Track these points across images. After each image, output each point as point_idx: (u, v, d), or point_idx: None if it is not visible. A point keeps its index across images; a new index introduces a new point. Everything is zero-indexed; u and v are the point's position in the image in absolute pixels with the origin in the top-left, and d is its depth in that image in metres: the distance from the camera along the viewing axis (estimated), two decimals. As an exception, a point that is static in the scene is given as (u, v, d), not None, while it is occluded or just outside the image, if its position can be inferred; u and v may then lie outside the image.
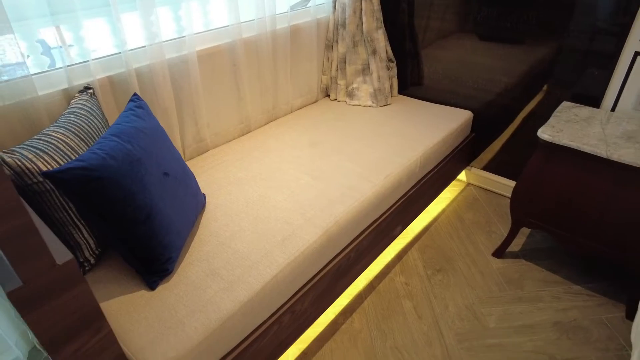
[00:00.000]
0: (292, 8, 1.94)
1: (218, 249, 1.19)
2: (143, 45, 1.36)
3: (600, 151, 1.35)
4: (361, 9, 1.97)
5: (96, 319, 0.70)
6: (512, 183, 2.07)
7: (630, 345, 1.37)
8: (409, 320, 1.47)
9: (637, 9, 1.49)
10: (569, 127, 1.49)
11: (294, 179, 1.48)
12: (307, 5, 1.98)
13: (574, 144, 1.39)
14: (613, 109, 1.66)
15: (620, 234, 1.39)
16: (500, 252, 1.73)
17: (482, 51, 1.95)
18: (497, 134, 2.07)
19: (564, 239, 1.53)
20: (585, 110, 1.63)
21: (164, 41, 1.41)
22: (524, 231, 1.88)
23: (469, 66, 2.02)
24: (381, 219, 1.51)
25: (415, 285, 1.61)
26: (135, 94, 1.18)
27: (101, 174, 0.92)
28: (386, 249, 1.67)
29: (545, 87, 1.83)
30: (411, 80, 2.25)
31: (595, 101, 1.70)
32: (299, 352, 1.39)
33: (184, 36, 1.45)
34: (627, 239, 1.39)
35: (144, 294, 1.06)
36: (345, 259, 1.37)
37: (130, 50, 1.34)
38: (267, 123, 1.93)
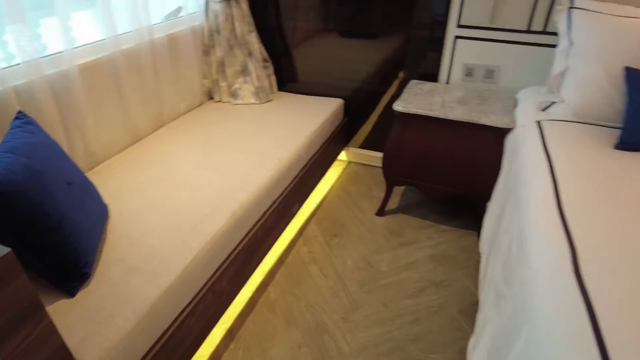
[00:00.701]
0: (166, 18, 2.02)
1: (132, 248, 1.26)
2: (18, 62, 1.35)
3: (441, 114, 1.71)
4: (232, 15, 2.12)
5: (38, 309, 0.76)
6: (385, 155, 2.43)
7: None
8: (317, 281, 1.70)
9: (450, 3, 1.90)
10: (416, 99, 1.85)
11: (194, 176, 1.60)
12: (180, 15, 2.08)
13: (421, 111, 1.74)
14: (448, 82, 2.08)
15: (463, 176, 1.79)
16: (381, 211, 2.06)
17: (344, 46, 2.26)
18: (366, 116, 2.41)
19: (426, 189, 1.90)
20: (428, 85, 2.02)
21: (42, 57, 1.41)
22: (398, 191, 2.24)
23: (335, 60, 2.31)
24: (280, 199, 1.70)
25: (318, 252, 1.85)
26: (20, 112, 1.19)
27: (5, 188, 0.95)
28: (288, 226, 1.87)
29: (401, 72, 2.21)
30: (288, 77, 2.48)
31: (435, 77, 2.11)
32: (224, 332, 1.51)
33: (62, 51, 1.46)
34: (468, 179, 1.79)
35: (64, 302, 1.09)
36: (254, 238, 1.54)
37: (4, 68, 1.32)
38: (155, 130, 1.99)
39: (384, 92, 2.30)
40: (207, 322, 1.34)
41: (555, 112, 1.56)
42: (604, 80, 1.44)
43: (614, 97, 1.43)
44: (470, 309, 1.58)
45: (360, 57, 2.25)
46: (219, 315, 1.41)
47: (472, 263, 1.78)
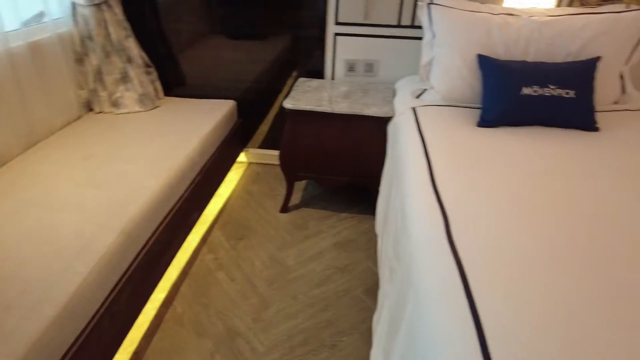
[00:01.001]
0: (26, 24, 1.81)
1: (3, 285, 1.12)
2: None
3: (328, 108, 1.79)
4: (105, 20, 1.98)
5: None
6: (284, 152, 2.46)
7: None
8: (225, 287, 1.67)
9: (327, 1, 1.99)
10: (305, 96, 1.90)
11: (75, 194, 1.47)
12: (43, 21, 1.88)
13: (310, 107, 1.80)
14: (333, 78, 2.17)
15: (354, 164, 1.89)
16: (285, 208, 2.09)
17: (232, 48, 2.24)
18: (262, 116, 2.41)
19: (323, 181, 1.98)
20: (315, 82, 2.09)
21: None
22: (300, 186, 2.30)
23: (225, 62, 2.28)
24: (175, 209, 1.63)
25: (224, 257, 1.82)
26: None
27: None
28: (190, 235, 1.81)
29: (294, 71, 2.25)
30: (174, 81, 2.38)
31: (321, 74, 2.19)
32: (129, 356, 1.42)
33: None
34: (358, 167, 1.89)
35: None
36: (150, 253, 1.46)
37: None
38: (26, 149, 1.78)
39: (278, 91, 2.33)
40: (106, 349, 1.25)
41: (427, 98, 1.72)
42: (463, 68, 1.62)
43: (472, 82, 1.63)
44: (373, 288, 1.68)
45: (249, 58, 2.25)
46: (120, 339, 1.32)
47: (372, 245, 1.89)
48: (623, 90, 1.71)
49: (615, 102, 1.69)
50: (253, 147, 2.51)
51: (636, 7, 1.65)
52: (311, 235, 1.95)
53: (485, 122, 1.52)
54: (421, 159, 1.33)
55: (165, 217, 1.57)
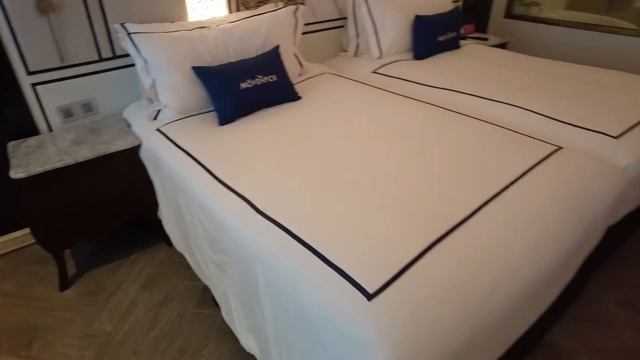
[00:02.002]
0: None
1: None
2: None
3: (70, 160, 1.66)
4: None
5: None
6: (23, 231, 2.08)
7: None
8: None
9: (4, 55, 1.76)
10: (32, 158, 1.68)
11: None
12: None
13: (47, 167, 1.62)
14: (51, 130, 1.96)
15: (121, 204, 1.84)
16: (65, 284, 1.84)
17: None
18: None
19: (96, 234, 1.84)
20: (32, 140, 1.85)
21: None
22: (68, 253, 2.03)
23: None
24: None
25: (23, 370, 1.50)
26: None
27: None
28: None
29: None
30: None
31: (34, 131, 1.93)
32: None
33: None
34: (126, 204, 1.86)
35: None
36: None
37: None
38: None
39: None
40: None
41: (165, 117, 1.83)
42: (185, 81, 1.81)
43: (198, 91, 1.84)
44: (202, 299, 1.76)
45: None
46: None
47: (177, 267, 1.93)
48: (301, 65, 2.28)
49: (300, 75, 2.25)
50: (-24, 243, 2.01)
51: (282, 5, 2.21)
52: (112, 292, 1.81)
53: (224, 120, 1.78)
54: (196, 168, 1.48)
55: None
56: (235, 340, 1.41)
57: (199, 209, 1.40)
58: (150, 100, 1.93)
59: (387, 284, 0.93)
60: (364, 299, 0.90)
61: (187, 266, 1.91)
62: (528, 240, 1.12)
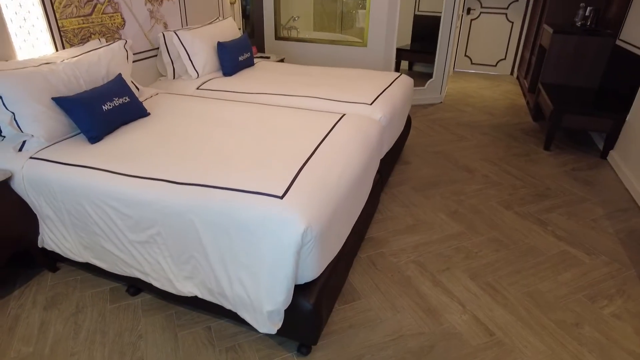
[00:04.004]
0: None
1: None
2: None
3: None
4: None
5: None
6: None
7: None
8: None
9: None
10: None
11: None
12: None
13: None
14: None
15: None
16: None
17: None
18: None
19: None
20: None
21: None
22: None
23: None
24: None
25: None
26: None
27: None
28: None
29: None
30: None
31: None
32: None
33: None
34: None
35: None
36: None
37: None
38: None
39: None
40: None
41: (32, 146, 1.97)
42: (47, 111, 1.99)
43: (61, 118, 2.04)
44: (115, 294, 2.00)
45: None
46: None
47: (74, 283, 2.07)
48: (137, 88, 2.64)
49: (139, 97, 2.61)
50: None
51: (105, 41, 2.53)
52: (12, 324, 1.84)
53: (95, 138, 2.05)
54: (99, 173, 1.77)
55: None
56: (165, 308, 1.78)
57: (116, 202, 1.71)
58: (2, 136, 2.00)
59: (288, 188, 1.57)
60: (278, 199, 1.52)
61: (85, 279, 2.10)
62: (348, 155, 1.94)
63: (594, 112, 3.52)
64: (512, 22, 6.08)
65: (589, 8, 4.25)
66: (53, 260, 2.15)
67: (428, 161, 3.46)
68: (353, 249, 2.10)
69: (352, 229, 2.01)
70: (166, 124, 2.25)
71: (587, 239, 2.52)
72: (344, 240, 1.89)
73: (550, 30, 4.24)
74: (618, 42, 3.84)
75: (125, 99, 2.24)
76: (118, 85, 2.27)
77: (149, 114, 2.38)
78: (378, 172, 2.54)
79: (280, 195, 1.55)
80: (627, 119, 3.37)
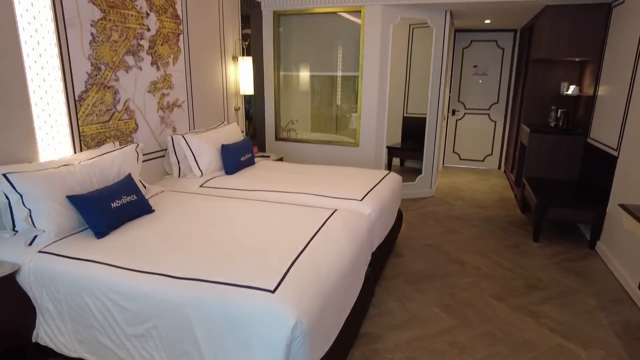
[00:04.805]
0: None
1: None
2: None
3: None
4: None
5: None
6: None
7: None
8: None
9: None
10: None
11: None
12: None
13: None
14: None
15: None
16: None
17: None
18: None
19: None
20: None
21: None
22: None
23: None
24: None
25: None
26: None
27: None
28: None
29: None
30: None
31: None
32: None
33: None
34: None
35: None
36: None
37: None
38: None
39: None
40: None
41: (42, 240, 2.10)
42: (60, 208, 2.15)
43: (71, 215, 2.20)
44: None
45: None
46: None
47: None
48: (144, 187, 2.85)
49: (146, 195, 2.80)
50: None
51: (119, 144, 2.80)
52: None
53: (101, 234, 2.18)
54: (101, 267, 1.88)
55: None
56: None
57: (116, 295, 1.79)
58: (15, 231, 2.15)
59: (280, 282, 1.66)
60: (269, 294, 1.61)
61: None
62: (338, 248, 2.06)
63: (576, 204, 3.71)
64: (495, 122, 6.59)
65: (560, 110, 4.67)
66: (44, 356, 2.14)
67: (421, 254, 3.55)
68: (346, 346, 2.11)
69: (346, 325, 2.05)
70: (169, 219, 2.41)
71: (582, 332, 2.52)
72: (336, 334, 1.92)
73: (528, 129, 4.62)
74: (589, 140, 4.17)
75: (133, 197, 2.42)
76: (127, 185, 2.47)
77: (153, 210, 2.54)
78: (370, 265, 2.63)
79: (272, 289, 1.64)
80: (607, 210, 3.54)
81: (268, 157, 4.48)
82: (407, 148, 5.86)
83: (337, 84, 5.44)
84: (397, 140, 6.08)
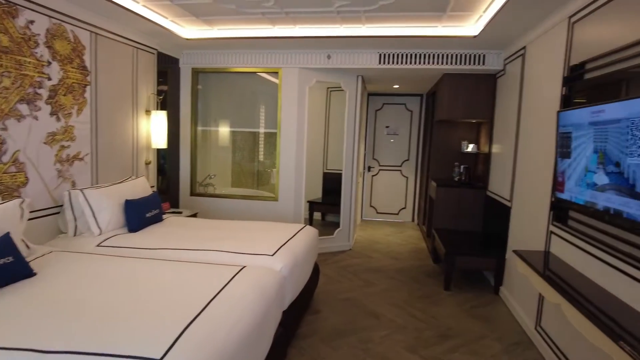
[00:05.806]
0: None
1: None
2: None
3: None
4: None
5: None
6: None
7: None
8: None
9: None
10: None
11: None
12: None
13: None
14: None
15: None
16: None
17: None
18: None
19: None
20: None
21: None
22: None
23: None
24: None
25: None
26: None
27: None
28: None
29: None
30: None
31: None
32: None
33: None
34: None
35: None
36: None
37: None
38: None
39: None
40: None
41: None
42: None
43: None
44: None
45: None
46: None
47: None
48: (28, 247, 2.53)
49: (28, 256, 2.49)
50: None
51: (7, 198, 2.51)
52: None
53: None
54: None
55: None
56: None
57: None
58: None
59: (168, 350, 1.51)
60: (156, 363, 1.45)
61: None
62: (242, 307, 1.95)
63: (480, 253, 3.95)
64: (407, 177, 7.00)
65: (462, 166, 5.10)
66: None
67: (337, 309, 3.50)
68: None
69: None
70: (52, 284, 2.14)
71: (489, 379, 2.57)
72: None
73: (435, 184, 4.95)
74: (488, 193, 4.56)
75: (8, 259, 2.13)
76: (3, 245, 2.18)
77: (35, 274, 2.25)
78: (282, 325, 2.51)
79: (159, 358, 1.48)
80: (506, 257, 3.81)
81: (180, 212, 4.28)
82: (328, 202, 5.96)
83: (259, 139, 5.49)
84: (318, 195, 6.18)
